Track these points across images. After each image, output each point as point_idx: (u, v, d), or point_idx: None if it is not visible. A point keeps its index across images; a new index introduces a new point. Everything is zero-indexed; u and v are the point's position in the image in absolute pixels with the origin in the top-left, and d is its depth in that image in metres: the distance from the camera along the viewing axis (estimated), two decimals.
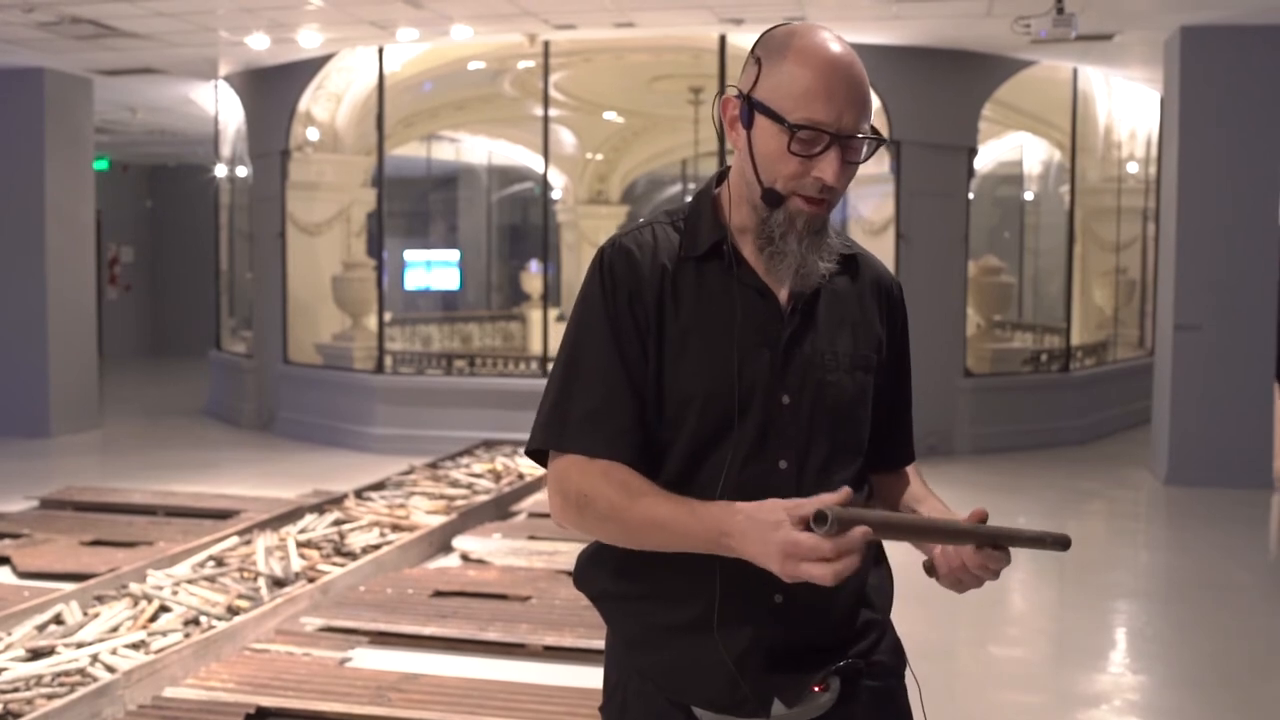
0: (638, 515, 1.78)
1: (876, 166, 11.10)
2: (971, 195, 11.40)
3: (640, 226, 1.94)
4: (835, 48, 1.81)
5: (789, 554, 1.60)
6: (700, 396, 1.84)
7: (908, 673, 2.00)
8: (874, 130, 1.82)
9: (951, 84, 10.87)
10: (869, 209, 11.58)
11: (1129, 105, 13.35)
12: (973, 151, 11.21)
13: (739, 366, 1.83)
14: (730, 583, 1.80)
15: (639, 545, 1.82)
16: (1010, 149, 14.28)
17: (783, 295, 1.89)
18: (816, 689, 1.85)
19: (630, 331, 1.86)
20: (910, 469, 2.11)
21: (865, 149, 1.82)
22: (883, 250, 10.98)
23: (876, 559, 1.99)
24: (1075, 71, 11.89)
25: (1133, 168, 13.97)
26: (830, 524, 1.57)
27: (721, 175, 1.97)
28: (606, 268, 1.89)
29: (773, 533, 1.62)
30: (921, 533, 1.80)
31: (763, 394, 1.84)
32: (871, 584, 1.95)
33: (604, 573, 1.96)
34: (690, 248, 1.90)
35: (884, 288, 2.01)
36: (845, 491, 1.63)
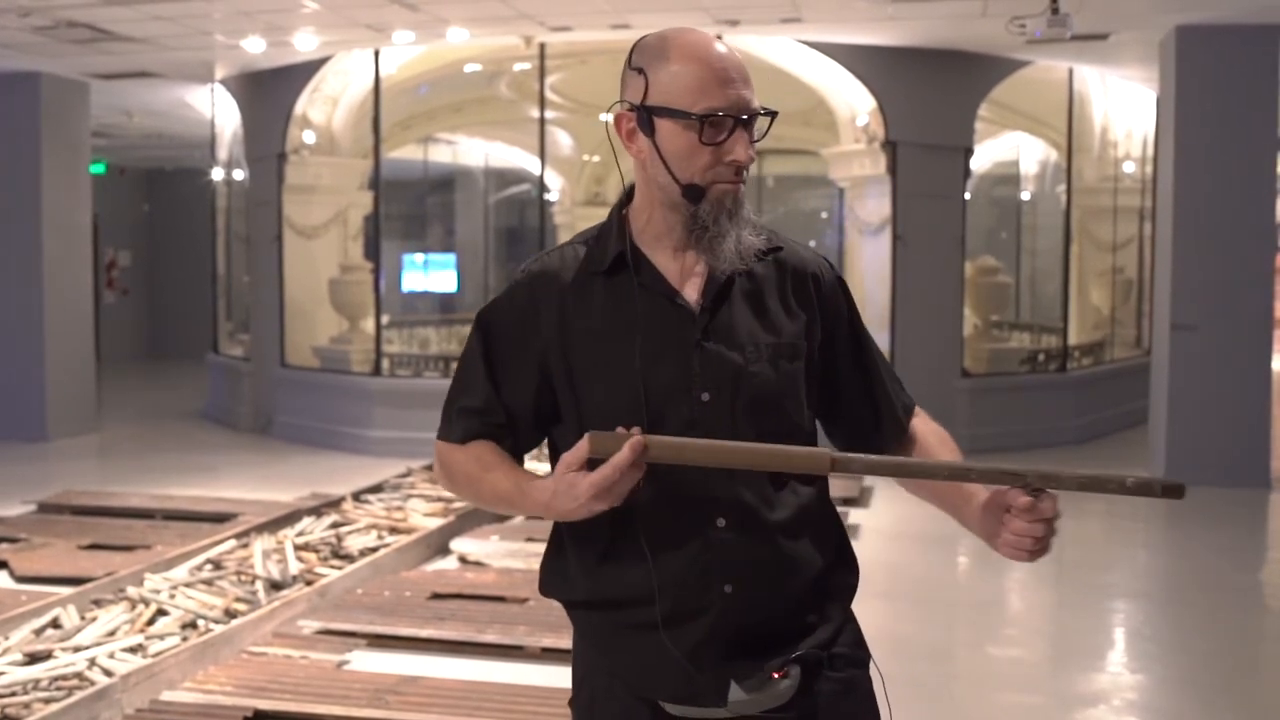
0: (487, 488, 2.02)
1: (873, 167, 11.12)
2: (968, 196, 11.40)
3: (551, 250, 2.05)
4: (713, 40, 1.93)
5: (594, 495, 1.76)
6: (618, 406, 1.90)
7: (873, 666, 2.03)
8: (772, 111, 1.93)
9: (947, 84, 10.88)
10: (866, 210, 11.58)
11: (1125, 105, 13.36)
12: (969, 152, 11.22)
13: (647, 373, 1.91)
14: (677, 579, 1.88)
15: (498, 511, 2.08)
16: (1006, 149, 14.27)
17: (693, 297, 1.94)
18: (776, 675, 1.89)
19: (506, 355, 2.02)
20: (920, 426, 2.13)
21: (765, 124, 1.93)
22: (879, 251, 11.00)
23: (838, 552, 2.01)
24: (1071, 71, 11.90)
25: (1129, 167, 13.97)
26: (593, 444, 1.76)
27: (629, 193, 2.06)
28: (509, 293, 2.05)
29: (572, 488, 1.77)
30: (724, 457, 1.81)
31: (681, 394, 1.91)
32: (828, 575, 1.98)
33: (563, 581, 2.03)
34: (596, 263, 1.98)
35: (809, 274, 2.01)
36: (587, 437, 1.76)
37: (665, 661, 1.89)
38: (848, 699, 1.93)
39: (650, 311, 1.94)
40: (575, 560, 1.98)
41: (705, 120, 1.86)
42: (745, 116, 1.89)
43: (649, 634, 1.90)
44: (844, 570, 2.03)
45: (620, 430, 1.76)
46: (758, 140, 1.93)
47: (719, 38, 1.96)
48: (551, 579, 2.06)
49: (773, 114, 1.94)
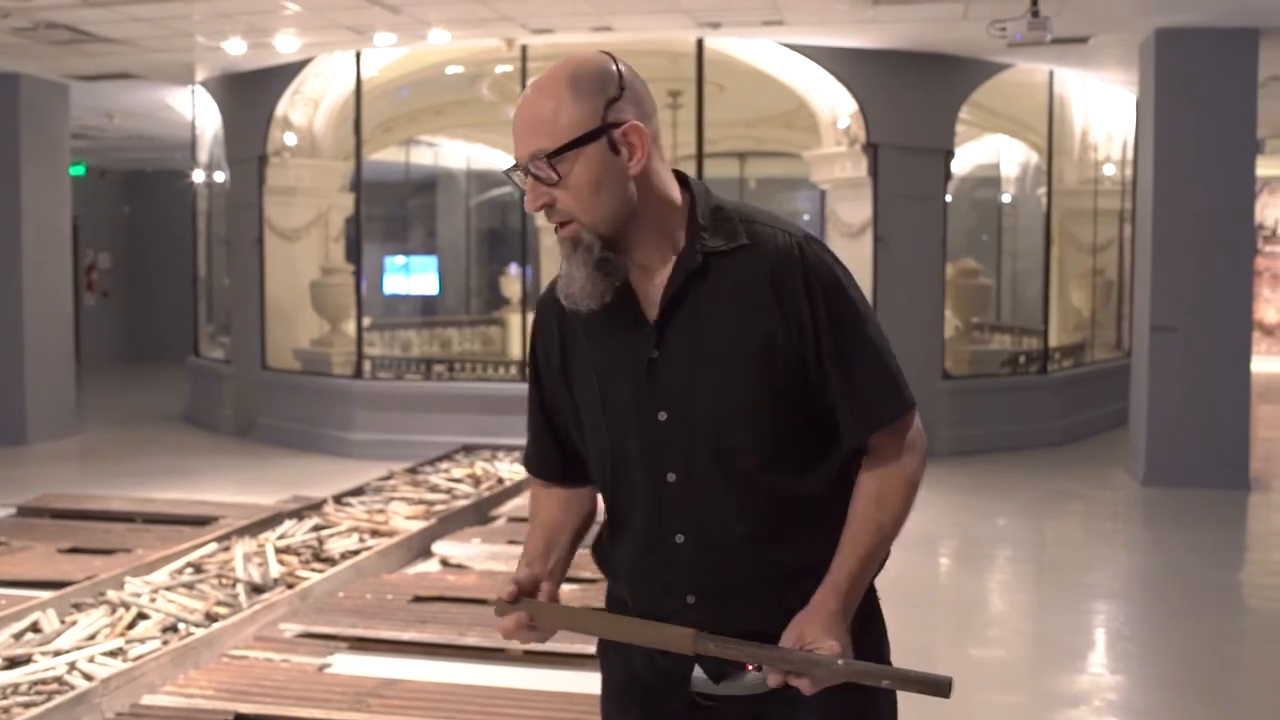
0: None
1: (855, 170, 11.15)
2: (949, 198, 11.44)
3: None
4: (531, 86, 1.93)
5: (507, 637, 2.10)
6: (596, 429, 2.01)
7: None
8: (553, 151, 1.86)
9: (928, 87, 10.90)
10: (847, 212, 11.60)
11: (1105, 107, 13.41)
12: (950, 154, 11.24)
13: (609, 396, 1.97)
14: (646, 587, 2.01)
15: None
16: (987, 152, 14.31)
17: (653, 315, 1.95)
18: (749, 667, 1.92)
19: (539, 373, 2.14)
20: (866, 480, 1.97)
21: (542, 170, 1.88)
22: (861, 253, 11.01)
23: (820, 556, 1.95)
24: (1051, 74, 11.94)
25: (1109, 170, 14.03)
26: (496, 608, 2.05)
27: None
28: (535, 318, 2.14)
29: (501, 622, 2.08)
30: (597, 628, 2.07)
31: (638, 415, 1.94)
32: (811, 580, 1.93)
33: (600, 557, 2.16)
34: None
35: (776, 272, 1.91)
36: (511, 590, 2.01)
37: (636, 652, 2.02)
38: (822, 697, 1.86)
39: (617, 333, 1.96)
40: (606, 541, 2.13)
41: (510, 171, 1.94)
42: (518, 167, 1.91)
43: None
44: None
45: (521, 599, 2.00)
46: (546, 181, 1.89)
47: (545, 75, 1.95)
48: (597, 552, 2.16)
49: (523, 169, 1.90)
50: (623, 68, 1.91)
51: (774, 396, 1.91)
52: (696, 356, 1.92)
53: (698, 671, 1.97)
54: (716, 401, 1.91)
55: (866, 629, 2.01)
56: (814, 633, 1.84)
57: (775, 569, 1.94)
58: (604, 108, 1.86)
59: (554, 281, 2.02)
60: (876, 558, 1.96)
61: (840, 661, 1.79)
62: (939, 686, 1.78)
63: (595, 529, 2.18)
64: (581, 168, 1.86)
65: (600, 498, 2.13)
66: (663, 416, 1.93)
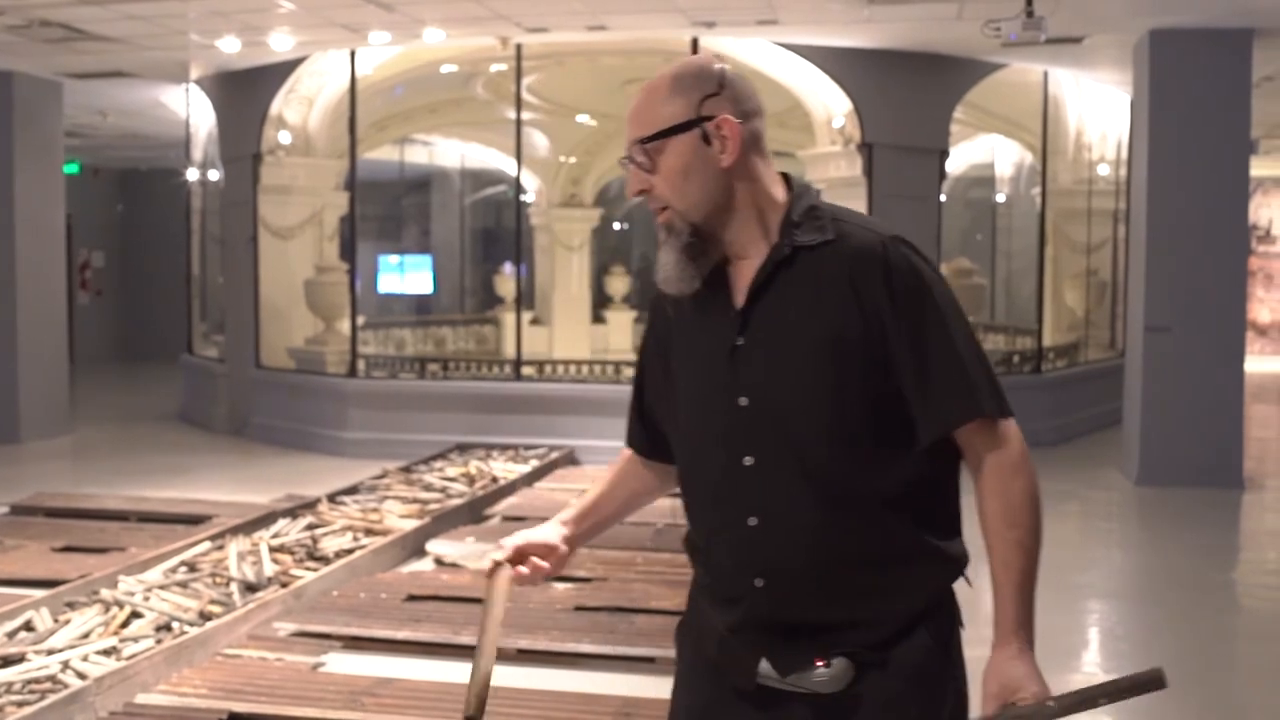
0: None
1: (849, 169, 11.15)
2: (943, 198, 11.45)
3: None
4: (654, 77, 2.04)
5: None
6: (680, 404, 2.12)
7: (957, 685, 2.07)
8: (647, 138, 1.99)
9: (923, 87, 10.91)
10: None
11: (1099, 108, 13.43)
12: (944, 154, 11.25)
13: (694, 379, 2.08)
14: (720, 568, 2.06)
15: None
16: (982, 151, 14.33)
17: (740, 302, 2.02)
18: (819, 663, 1.95)
19: (644, 352, 2.25)
20: (987, 487, 2.01)
21: (639, 157, 2.01)
22: None
23: (923, 549, 2.00)
24: (1046, 74, 11.95)
25: (1103, 170, 14.05)
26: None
27: None
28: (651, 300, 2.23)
29: None
30: None
31: (721, 398, 2.01)
32: (894, 571, 1.98)
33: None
34: None
35: (857, 269, 1.95)
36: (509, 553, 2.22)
37: (711, 629, 2.09)
38: (885, 711, 1.94)
39: (708, 318, 2.05)
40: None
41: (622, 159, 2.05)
42: (622, 160, 2.04)
43: (705, 603, 2.12)
44: (925, 568, 2.02)
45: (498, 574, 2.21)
46: (646, 169, 2.00)
47: (670, 67, 2.06)
48: (687, 542, 2.21)
49: (628, 157, 2.03)
50: (726, 69, 2.03)
51: (847, 390, 1.95)
52: (777, 345, 1.98)
53: (765, 664, 2.00)
54: (793, 390, 1.97)
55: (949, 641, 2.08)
56: (1015, 680, 1.92)
57: (842, 560, 1.96)
58: (699, 102, 1.97)
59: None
60: (1031, 574, 2.01)
61: (1051, 702, 1.83)
62: (1154, 682, 1.79)
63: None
64: (673, 156, 1.97)
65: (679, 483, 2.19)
66: (743, 401, 1.99)
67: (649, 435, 2.27)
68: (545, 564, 2.22)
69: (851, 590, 1.97)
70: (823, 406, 1.95)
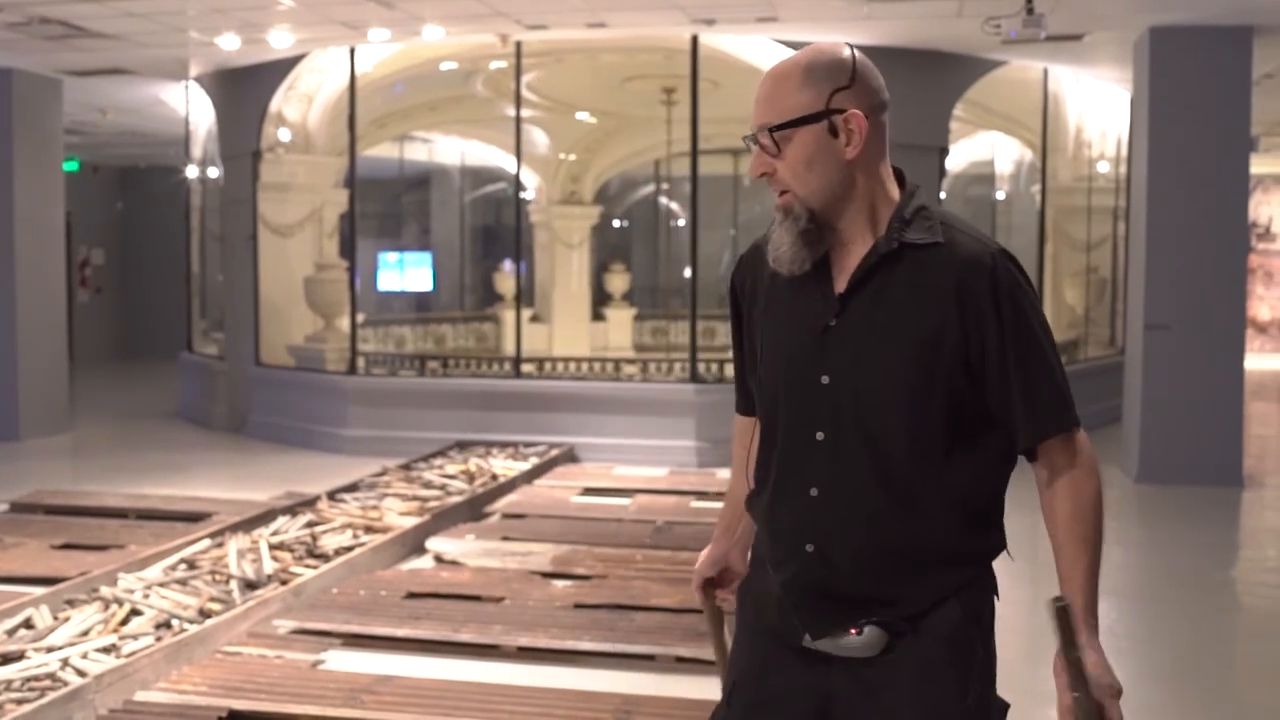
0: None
1: None
2: (943, 195, 11.44)
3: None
4: (779, 61, 2.11)
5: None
6: (763, 376, 2.20)
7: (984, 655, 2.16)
8: (777, 126, 2.05)
9: (922, 84, 10.89)
10: None
11: (1099, 105, 13.42)
12: (944, 151, 11.24)
13: (781, 352, 2.15)
14: (780, 531, 2.17)
15: None
16: (981, 149, 14.33)
17: (840, 288, 2.09)
18: (853, 631, 2.08)
19: (734, 321, 2.32)
20: (1059, 493, 2.12)
21: (765, 141, 2.07)
22: None
23: (966, 530, 2.11)
24: (1046, 71, 11.95)
25: (1103, 167, 14.04)
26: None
27: None
28: (735, 268, 2.33)
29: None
30: None
31: (803, 374, 2.11)
32: (933, 549, 2.09)
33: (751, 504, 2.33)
34: None
35: (964, 278, 2.03)
36: (699, 581, 2.45)
37: (769, 593, 2.19)
38: (917, 675, 2.06)
39: (805, 297, 2.12)
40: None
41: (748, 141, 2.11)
42: (747, 138, 2.10)
43: (763, 569, 2.22)
44: (966, 558, 2.13)
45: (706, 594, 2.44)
46: (773, 155, 2.07)
47: (793, 57, 2.13)
48: (748, 502, 2.31)
49: (753, 138, 2.08)
50: (859, 59, 2.08)
51: (930, 388, 2.03)
52: (868, 333, 2.06)
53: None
54: (876, 378, 2.05)
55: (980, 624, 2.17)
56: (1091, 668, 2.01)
57: (890, 545, 2.05)
58: (830, 94, 2.03)
59: (758, 241, 2.23)
60: (1096, 569, 2.11)
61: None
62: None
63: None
64: (799, 145, 2.04)
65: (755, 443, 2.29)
66: (825, 380, 2.08)
67: (748, 396, 2.37)
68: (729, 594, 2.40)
69: (894, 571, 2.07)
70: (901, 401, 2.04)
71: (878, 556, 2.06)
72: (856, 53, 2.08)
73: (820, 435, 2.09)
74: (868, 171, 2.08)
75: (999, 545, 2.17)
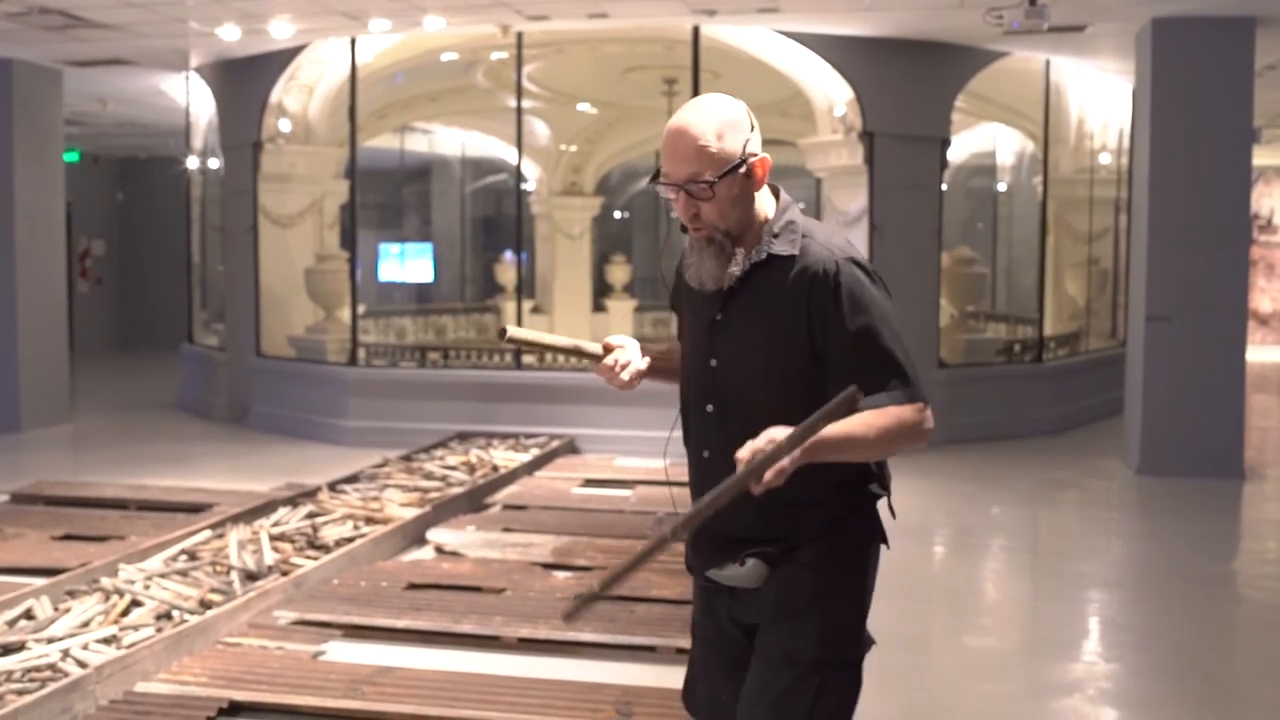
0: None
1: (850, 158, 11.13)
2: (945, 186, 11.43)
3: None
4: (680, 115, 2.49)
5: None
6: (683, 361, 2.72)
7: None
8: (702, 178, 2.44)
9: (924, 75, 10.89)
10: (842, 200, 11.59)
11: (1101, 96, 13.40)
12: (946, 143, 11.23)
13: (690, 336, 2.68)
14: (691, 491, 2.62)
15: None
16: (983, 140, 14.30)
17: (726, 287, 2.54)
18: (738, 564, 2.53)
19: (674, 301, 2.82)
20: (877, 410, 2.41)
21: (699, 190, 2.45)
22: (856, 241, 10.96)
23: (837, 485, 2.49)
24: (1048, 63, 11.92)
25: (1105, 159, 14.03)
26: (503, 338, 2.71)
27: None
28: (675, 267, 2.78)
29: None
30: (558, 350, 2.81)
31: (700, 358, 2.61)
32: (807, 498, 2.45)
33: None
34: None
35: (806, 280, 2.46)
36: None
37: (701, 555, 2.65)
38: (783, 588, 2.51)
39: (703, 295, 2.58)
40: None
41: (654, 180, 2.51)
42: (670, 183, 2.48)
43: None
44: (837, 499, 2.52)
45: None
46: (703, 199, 2.45)
47: (693, 106, 2.51)
48: None
49: (679, 186, 2.46)
50: (748, 110, 2.52)
51: (786, 371, 2.49)
52: (743, 326, 2.52)
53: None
54: (747, 363, 2.53)
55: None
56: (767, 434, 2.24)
57: (766, 492, 2.30)
58: (744, 144, 2.48)
59: (684, 249, 2.63)
60: (856, 436, 2.33)
61: (784, 441, 2.17)
62: (849, 400, 2.17)
63: None
64: (725, 188, 2.46)
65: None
66: (714, 363, 2.57)
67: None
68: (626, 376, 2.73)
69: (771, 513, 2.45)
70: (764, 381, 2.50)
71: (757, 503, 2.32)
72: (743, 103, 2.52)
73: (710, 408, 2.58)
74: (761, 196, 2.54)
75: (871, 494, 2.55)
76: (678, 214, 2.51)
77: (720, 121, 2.46)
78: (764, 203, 2.55)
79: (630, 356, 2.73)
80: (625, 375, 2.71)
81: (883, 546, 2.59)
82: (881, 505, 2.59)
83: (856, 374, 2.34)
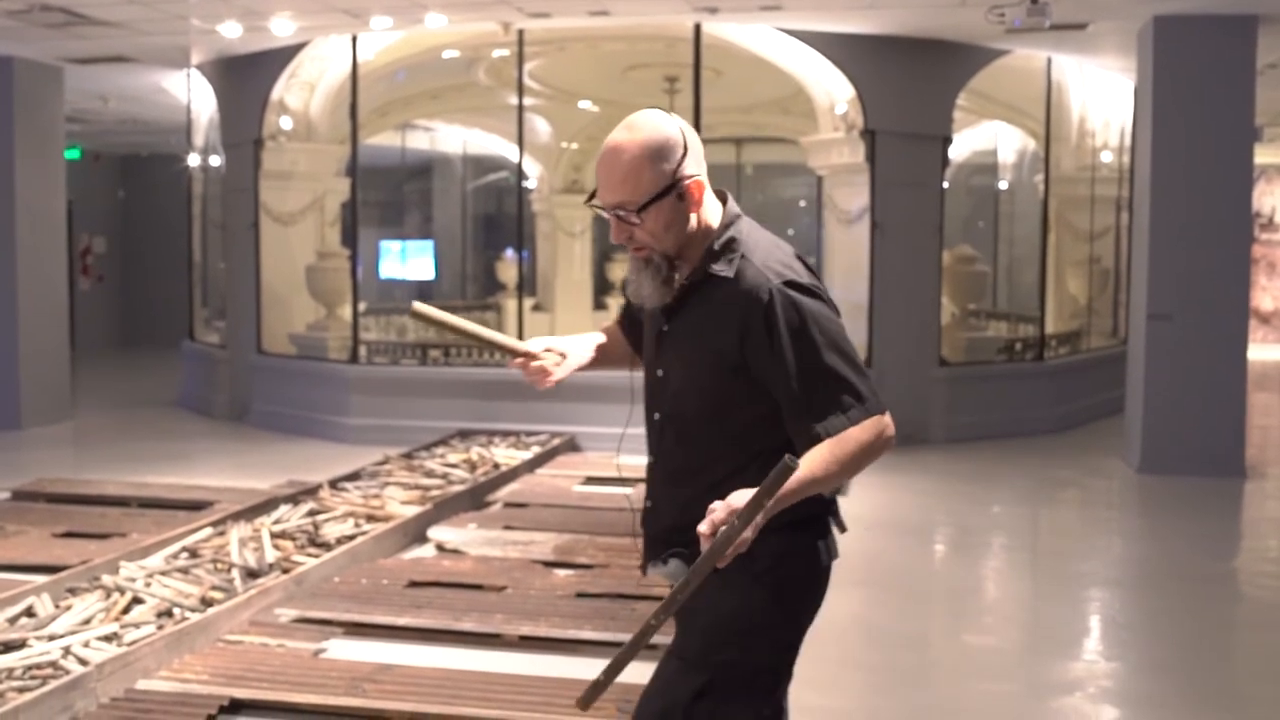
0: None
1: (852, 156, 11.13)
2: (946, 184, 11.42)
3: None
4: (611, 138, 2.48)
5: None
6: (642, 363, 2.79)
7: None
8: (629, 206, 2.45)
9: (926, 73, 10.88)
10: (844, 198, 11.59)
11: (1103, 94, 13.39)
12: (947, 141, 11.22)
13: (646, 347, 2.74)
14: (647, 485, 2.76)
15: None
16: (985, 138, 14.29)
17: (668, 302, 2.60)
18: (662, 562, 2.66)
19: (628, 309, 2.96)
20: (829, 443, 2.38)
21: (628, 216, 2.47)
22: (857, 240, 11.00)
23: (732, 487, 2.33)
24: (1049, 61, 11.92)
25: (1106, 157, 14.01)
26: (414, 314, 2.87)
27: None
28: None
29: None
30: (477, 340, 3.07)
31: (650, 368, 2.69)
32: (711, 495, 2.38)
33: None
34: None
35: (745, 305, 2.44)
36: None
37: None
38: (709, 589, 2.37)
39: (651, 311, 2.65)
40: None
41: (591, 202, 2.53)
42: (602, 206, 2.51)
43: None
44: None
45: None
46: (635, 225, 2.47)
47: (625, 128, 2.50)
48: None
49: (610, 212, 2.49)
50: (683, 126, 2.51)
51: (717, 386, 2.52)
52: (682, 340, 2.57)
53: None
54: (684, 377, 2.59)
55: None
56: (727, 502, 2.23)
57: (697, 495, 2.42)
58: (674, 169, 2.46)
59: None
60: (819, 478, 2.30)
61: (737, 520, 2.15)
62: (785, 471, 2.11)
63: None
64: (655, 214, 2.47)
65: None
66: (660, 373, 2.65)
67: (631, 328, 2.95)
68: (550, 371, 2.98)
69: (696, 518, 2.32)
70: (697, 393, 2.56)
71: (685, 506, 2.48)
72: (678, 120, 2.52)
73: (656, 415, 2.68)
74: (701, 216, 2.53)
75: (806, 511, 2.44)
76: (613, 239, 2.53)
77: (647, 148, 2.44)
78: (710, 214, 2.55)
79: (563, 364, 2.95)
80: (545, 383, 2.99)
81: (833, 563, 2.58)
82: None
83: (806, 400, 2.38)
